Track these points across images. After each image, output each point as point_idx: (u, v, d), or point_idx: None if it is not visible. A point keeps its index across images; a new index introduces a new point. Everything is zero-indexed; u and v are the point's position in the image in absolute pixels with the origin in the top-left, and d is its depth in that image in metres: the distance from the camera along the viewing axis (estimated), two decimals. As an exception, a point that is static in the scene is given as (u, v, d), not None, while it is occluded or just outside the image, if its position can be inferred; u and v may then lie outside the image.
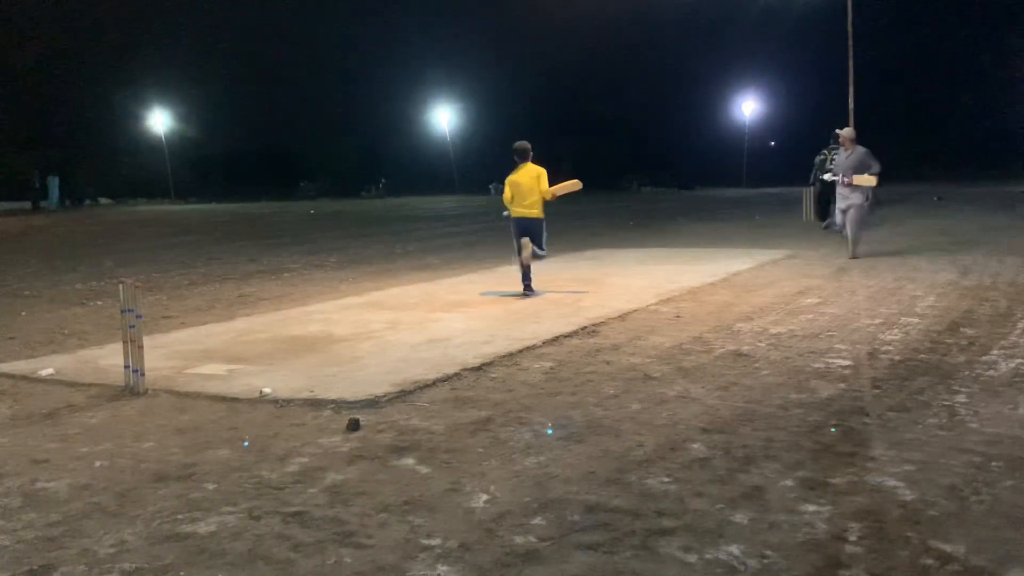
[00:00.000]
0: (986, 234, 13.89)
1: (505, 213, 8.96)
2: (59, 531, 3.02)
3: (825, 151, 15.52)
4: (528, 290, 8.58)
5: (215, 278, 10.83)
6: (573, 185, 9.08)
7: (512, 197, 8.68)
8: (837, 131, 11.47)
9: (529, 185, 8.56)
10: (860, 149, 10.99)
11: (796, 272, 9.84)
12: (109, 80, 50.10)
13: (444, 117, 54.52)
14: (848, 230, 11.08)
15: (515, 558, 2.72)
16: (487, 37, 58.83)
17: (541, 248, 8.66)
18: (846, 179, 10.90)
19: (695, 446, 3.75)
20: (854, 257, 10.82)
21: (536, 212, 8.59)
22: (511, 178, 8.71)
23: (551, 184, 8.61)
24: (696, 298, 8.08)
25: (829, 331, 6.30)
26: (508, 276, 10.18)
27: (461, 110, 56.25)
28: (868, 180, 10.84)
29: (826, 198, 14.65)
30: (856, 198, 10.93)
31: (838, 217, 11.29)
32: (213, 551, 2.82)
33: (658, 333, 6.38)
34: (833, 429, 3.95)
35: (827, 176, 11.61)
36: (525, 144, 8.75)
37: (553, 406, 4.46)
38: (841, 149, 11.25)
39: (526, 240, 8.51)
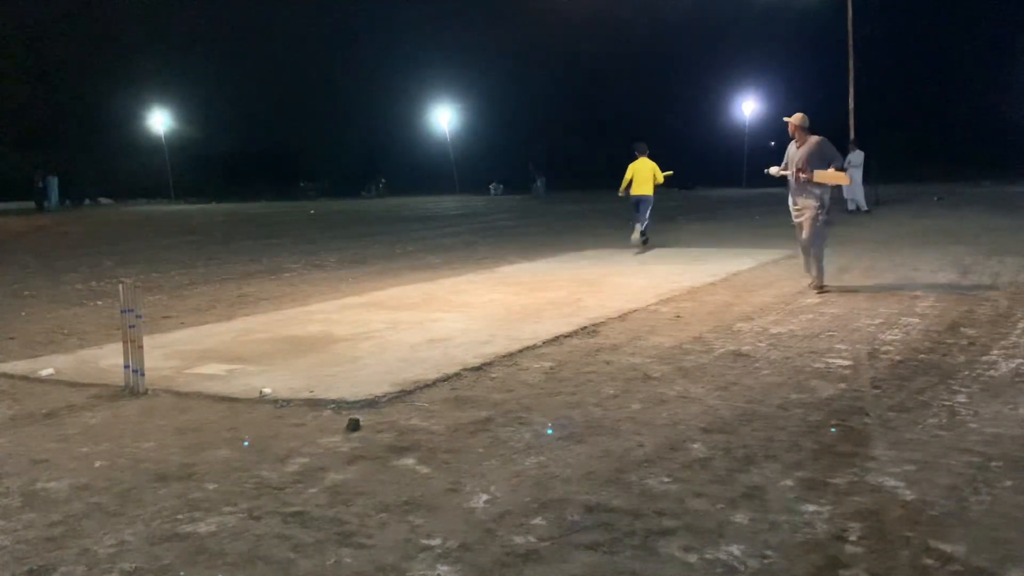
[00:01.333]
0: (986, 234, 13.89)
1: (622, 194, 13.34)
2: (59, 531, 3.02)
3: None
4: (643, 235, 13.00)
5: (215, 278, 10.83)
6: (668, 174, 13.60)
7: (632, 179, 13.11)
8: (785, 119, 8.64)
9: (645, 173, 13.10)
10: (814, 139, 8.43)
11: (796, 272, 9.82)
12: (109, 80, 50.09)
13: (444, 117, 54.44)
14: (808, 251, 8.52)
15: (515, 558, 2.72)
16: (488, 37, 58.88)
17: (643, 223, 13.01)
18: (803, 175, 8.28)
19: (695, 446, 3.75)
20: (821, 288, 8.26)
21: (648, 191, 13.10)
22: (633, 165, 13.18)
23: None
24: (696, 298, 8.09)
25: (829, 331, 6.30)
26: (509, 276, 10.20)
27: (461, 110, 56.19)
28: (836, 177, 8.44)
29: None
30: (810, 205, 8.36)
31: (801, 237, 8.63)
32: (213, 551, 2.82)
33: (658, 333, 6.38)
34: (833, 429, 3.95)
35: (772, 170, 8.82)
36: (644, 144, 13.32)
37: (553, 406, 4.46)
38: (793, 141, 8.59)
39: (636, 230, 12.89)
